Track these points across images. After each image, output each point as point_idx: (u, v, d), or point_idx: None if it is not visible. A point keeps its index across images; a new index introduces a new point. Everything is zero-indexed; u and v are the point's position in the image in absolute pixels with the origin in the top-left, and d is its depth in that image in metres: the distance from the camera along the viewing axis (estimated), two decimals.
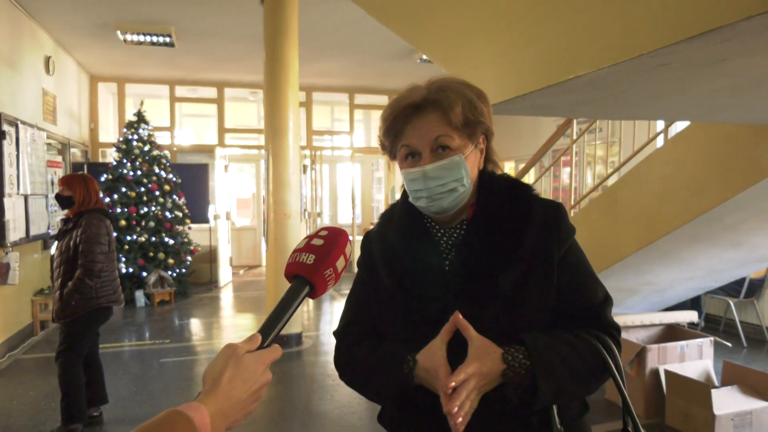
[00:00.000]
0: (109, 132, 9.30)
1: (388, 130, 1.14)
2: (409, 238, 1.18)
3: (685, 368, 3.65)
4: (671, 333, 4.10)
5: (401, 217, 1.22)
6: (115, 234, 7.39)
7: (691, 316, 4.20)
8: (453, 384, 0.96)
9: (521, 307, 1.07)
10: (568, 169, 8.55)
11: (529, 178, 7.00)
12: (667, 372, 3.54)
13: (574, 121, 4.10)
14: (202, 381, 0.75)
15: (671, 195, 3.21)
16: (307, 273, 0.84)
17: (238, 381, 0.73)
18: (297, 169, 5.44)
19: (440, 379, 1.00)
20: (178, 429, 0.66)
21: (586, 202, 4.43)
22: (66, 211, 3.45)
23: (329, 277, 0.86)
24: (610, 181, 4.18)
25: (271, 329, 0.80)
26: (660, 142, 3.87)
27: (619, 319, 3.96)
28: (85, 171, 8.12)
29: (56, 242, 3.42)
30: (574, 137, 4.10)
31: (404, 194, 1.21)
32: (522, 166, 9.89)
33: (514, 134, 9.91)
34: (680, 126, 3.59)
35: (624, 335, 4.01)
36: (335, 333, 1.27)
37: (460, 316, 1.02)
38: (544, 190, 8.84)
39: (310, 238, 0.90)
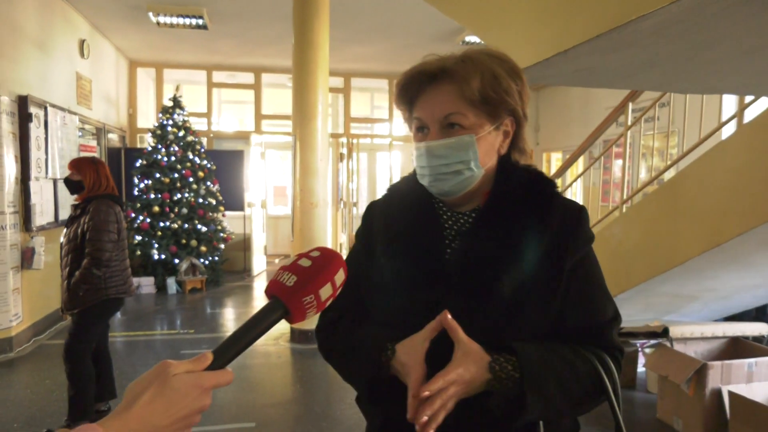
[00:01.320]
0: (149, 117, 9.28)
1: (400, 99, 1.07)
2: (414, 217, 1.09)
3: (753, 390, 3.17)
4: (736, 348, 3.61)
5: (410, 193, 1.12)
6: (148, 220, 7.47)
7: (760, 328, 3.68)
8: (427, 393, 0.87)
9: (520, 312, 0.98)
10: (620, 162, 7.98)
11: (576, 169, 6.49)
12: (731, 394, 3.07)
13: (629, 106, 3.63)
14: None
15: (744, 190, 2.73)
16: (284, 295, 0.75)
17: (159, 404, 0.63)
18: (326, 156, 5.16)
19: (411, 381, 0.92)
20: None
21: (640, 197, 3.95)
22: (76, 197, 3.27)
23: (309, 305, 0.76)
24: (668, 175, 3.70)
25: (228, 350, 0.70)
26: (730, 129, 3.37)
27: (676, 330, 3.50)
28: (122, 156, 8.12)
29: (65, 229, 3.24)
30: (629, 123, 3.62)
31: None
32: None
33: (563, 122, 9.33)
34: (755, 111, 3.07)
35: (680, 347, 3.54)
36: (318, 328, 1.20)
37: (449, 316, 0.92)
38: (594, 183, 8.28)
39: (299, 256, 0.80)
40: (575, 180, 4.40)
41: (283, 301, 0.75)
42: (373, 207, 1.20)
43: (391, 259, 1.07)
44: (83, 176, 3.15)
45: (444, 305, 0.95)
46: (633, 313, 4.33)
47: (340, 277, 0.80)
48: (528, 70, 1.44)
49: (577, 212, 1.04)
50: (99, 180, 3.18)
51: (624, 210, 3.69)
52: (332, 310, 1.12)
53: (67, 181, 3.22)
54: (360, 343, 1.05)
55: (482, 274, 0.99)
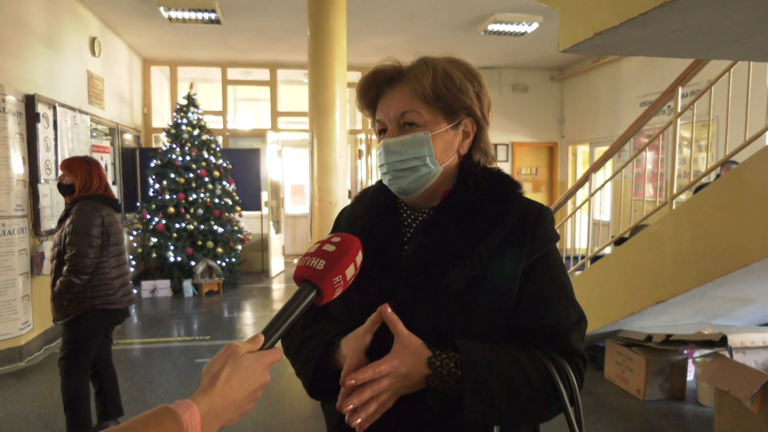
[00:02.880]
0: (164, 117, 9.12)
1: (361, 103, 1.11)
2: (375, 216, 1.12)
3: None
4: None
5: (374, 195, 1.17)
6: (164, 221, 7.29)
7: None
8: (352, 382, 0.88)
9: (469, 310, 0.97)
10: (650, 155, 7.55)
11: (610, 164, 6.10)
12: None
13: (679, 90, 3.28)
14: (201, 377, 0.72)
15: None
16: (315, 278, 0.84)
17: (236, 380, 0.73)
18: (345, 153, 4.90)
19: (343, 370, 0.94)
20: (165, 426, 0.66)
21: (688, 192, 3.60)
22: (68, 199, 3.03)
23: (337, 285, 0.86)
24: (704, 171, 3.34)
25: (274, 331, 0.81)
26: None
27: (735, 338, 3.16)
28: (137, 156, 7.95)
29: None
30: (679, 109, 3.28)
31: None
32: (599, 150, 8.93)
33: (589, 113, 8.94)
34: None
35: (740, 357, 3.20)
36: None
37: (389, 309, 0.94)
38: (625, 176, 7.86)
39: (322, 243, 0.89)
40: (617, 172, 4.04)
41: (314, 283, 0.83)
42: (342, 211, 1.25)
43: None
44: (75, 177, 2.92)
45: (393, 299, 0.97)
46: (679, 318, 3.99)
47: (359, 258, 0.90)
48: (609, 33, 1.14)
49: (538, 212, 1.04)
50: (90, 180, 2.94)
51: (674, 206, 3.35)
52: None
53: (60, 186, 2.97)
54: (310, 337, 1.06)
55: (431, 269, 0.99)
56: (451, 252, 0.99)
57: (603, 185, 4.23)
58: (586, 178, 4.22)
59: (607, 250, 4.65)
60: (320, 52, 4.67)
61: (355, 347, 0.95)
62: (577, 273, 4.65)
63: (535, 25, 6.63)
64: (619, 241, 4.12)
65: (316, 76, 4.73)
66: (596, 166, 4.16)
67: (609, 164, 5.19)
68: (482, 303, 0.98)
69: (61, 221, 2.94)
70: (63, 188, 2.96)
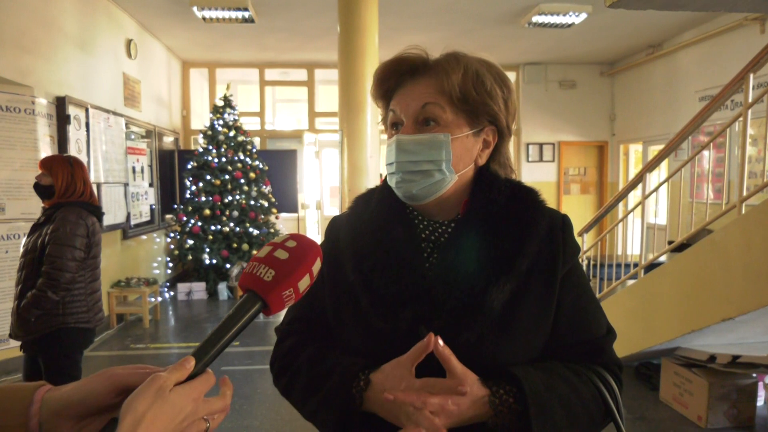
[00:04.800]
0: (203, 119, 9.13)
1: (377, 91, 1.01)
2: (387, 227, 0.98)
3: None
4: None
5: (380, 203, 1.03)
6: (200, 224, 7.24)
7: None
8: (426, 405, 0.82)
9: (511, 330, 0.91)
10: (706, 153, 6.96)
11: (659, 167, 5.62)
12: None
13: (750, 77, 2.87)
14: (120, 416, 0.61)
15: None
16: (262, 290, 0.73)
17: (161, 421, 0.62)
18: (377, 153, 4.66)
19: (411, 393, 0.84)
20: None
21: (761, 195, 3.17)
22: (46, 202, 2.70)
23: (288, 298, 0.75)
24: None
25: (208, 352, 0.68)
26: None
27: None
28: (176, 158, 7.97)
29: (25, 239, 2.69)
30: (749, 99, 2.87)
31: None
32: (653, 148, 8.36)
33: (642, 110, 8.38)
34: None
35: None
36: (277, 329, 1.09)
37: (441, 342, 0.84)
38: (684, 177, 7.30)
39: (274, 246, 0.77)
40: (676, 171, 3.64)
41: (260, 296, 0.73)
42: (337, 221, 1.10)
43: (363, 275, 0.95)
44: (55, 178, 2.60)
45: (429, 325, 0.89)
46: (747, 337, 3.55)
47: (317, 267, 0.78)
48: None
49: (563, 220, 1.00)
50: (73, 183, 2.62)
51: (743, 210, 2.94)
52: (288, 337, 1.05)
53: (37, 186, 2.64)
54: (326, 373, 0.94)
55: (468, 289, 0.90)
56: (488, 268, 0.91)
57: (659, 186, 3.82)
58: (640, 178, 3.83)
59: (662, 258, 4.23)
60: (350, 47, 4.46)
61: (407, 384, 0.85)
62: (629, 282, 4.25)
63: (584, 16, 6.21)
64: (679, 248, 3.71)
65: (347, 73, 4.51)
66: (651, 165, 3.76)
67: (664, 164, 4.75)
68: (524, 319, 0.92)
69: (38, 226, 2.64)
70: (40, 189, 2.63)
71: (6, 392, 0.64)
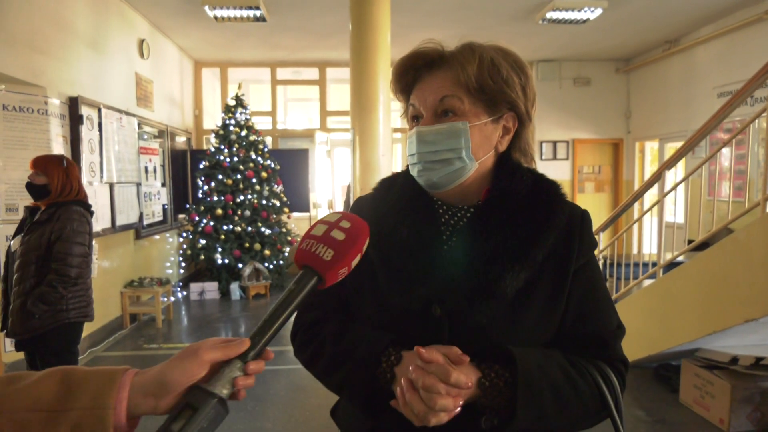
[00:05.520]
0: (215, 118, 9.13)
1: (396, 87, 1.04)
2: (408, 210, 1.02)
3: None
4: None
5: (403, 187, 1.06)
6: (212, 223, 7.24)
7: None
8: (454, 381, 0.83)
9: (522, 317, 0.94)
10: (726, 150, 6.81)
11: (676, 165, 5.51)
12: None
13: None
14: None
15: None
16: (322, 268, 0.77)
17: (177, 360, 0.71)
18: (389, 152, 4.61)
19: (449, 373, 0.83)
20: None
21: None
22: (32, 202, 2.78)
23: (342, 275, 0.80)
24: None
25: (265, 333, 0.73)
26: None
27: None
28: (188, 158, 7.98)
29: (16, 237, 2.74)
30: None
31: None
32: (670, 146, 8.22)
33: (659, 106, 8.24)
34: None
35: None
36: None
37: (423, 350, 0.85)
38: (702, 175, 7.16)
39: (329, 226, 0.81)
40: (698, 167, 3.54)
41: (319, 273, 0.77)
42: (361, 201, 1.13)
43: (382, 251, 0.98)
44: (50, 178, 2.67)
45: (441, 305, 0.93)
46: None
47: (365, 245, 0.83)
48: None
49: (582, 216, 1.01)
50: (69, 183, 2.71)
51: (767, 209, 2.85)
52: (312, 310, 1.07)
53: (30, 186, 2.68)
54: (353, 345, 0.96)
55: (484, 271, 0.92)
56: (504, 255, 0.93)
57: (679, 183, 3.73)
58: (659, 176, 3.73)
59: (680, 257, 4.14)
60: (362, 45, 4.41)
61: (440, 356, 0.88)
62: (647, 282, 4.16)
63: (599, 11, 6.10)
64: (698, 247, 3.62)
65: (359, 71, 4.47)
66: (670, 163, 3.67)
67: (681, 163, 4.65)
68: (535, 308, 0.94)
69: (35, 225, 2.66)
70: (34, 189, 2.68)
71: (96, 374, 0.68)
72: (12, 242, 2.75)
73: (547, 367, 0.90)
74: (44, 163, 2.68)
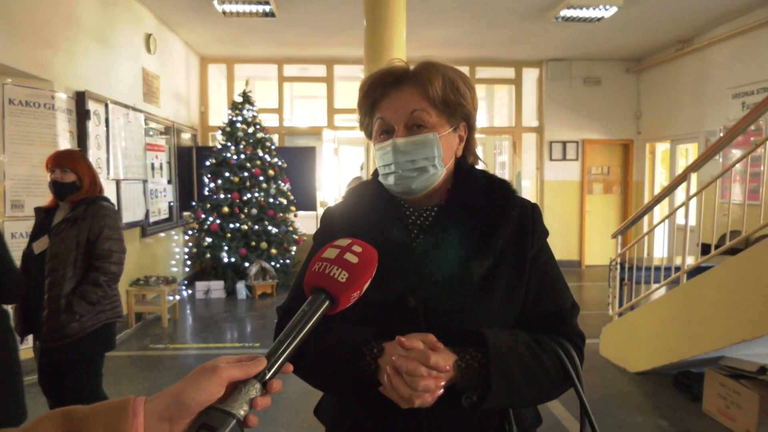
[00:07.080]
0: (221, 115, 9.03)
1: (364, 100, 1.12)
2: (378, 213, 1.12)
3: None
4: None
5: (371, 195, 1.16)
6: (218, 221, 7.14)
7: None
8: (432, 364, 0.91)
9: (489, 300, 1.04)
10: (737, 152, 6.70)
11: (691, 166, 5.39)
12: None
13: None
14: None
15: None
16: (336, 290, 0.78)
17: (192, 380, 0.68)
18: None
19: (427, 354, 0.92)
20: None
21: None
22: (49, 201, 2.66)
23: (353, 298, 0.81)
24: None
25: (281, 354, 0.72)
26: None
27: None
28: (194, 155, 7.87)
29: (39, 240, 2.56)
30: None
31: (375, 174, 1.18)
32: (681, 147, 8.11)
33: (670, 107, 8.13)
34: None
35: None
36: (278, 309, 1.16)
37: (403, 339, 0.93)
38: (712, 176, 7.05)
39: (342, 250, 0.83)
40: (728, 169, 3.43)
41: (332, 295, 0.78)
42: (331, 210, 1.21)
43: None
44: (82, 174, 2.54)
45: (415, 295, 1.02)
46: None
47: (375, 270, 0.84)
48: None
49: (533, 208, 1.13)
50: (95, 179, 2.61)
51: None
52: (292, 313, 1.02)
53: (57, 184, 2.51)
54: (336, 343, 1.01)
55: (450, 264, 1.02)
56: (468, 245, 1.04)
57: (703, 189, 3.62)
58: (684, 177, 3.63)
59: (689, 260, 4.03)
60: (377, 40, 4.31)
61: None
62: (656, 287, 4.06)
63: (614, 9, 5.99)
64: (716, 249, 3.51)
65: (373, 67, 4.35)
66: (697, 165, 3.56)
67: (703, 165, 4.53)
68: (500, 291, 1.04)
69: (66, 223, 2.49)
70: (62, 187, 2.52)
71: (102, 408, 0.64)
72: (34, 245, 2.58)
73: (515, 346, 0.99)
74: (71, 160, 2.55)
